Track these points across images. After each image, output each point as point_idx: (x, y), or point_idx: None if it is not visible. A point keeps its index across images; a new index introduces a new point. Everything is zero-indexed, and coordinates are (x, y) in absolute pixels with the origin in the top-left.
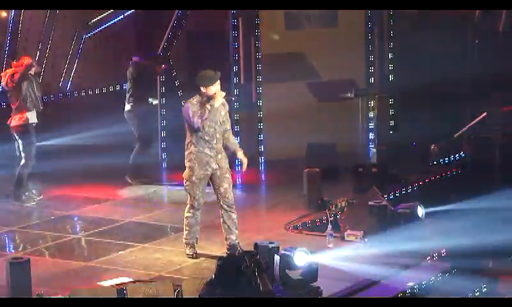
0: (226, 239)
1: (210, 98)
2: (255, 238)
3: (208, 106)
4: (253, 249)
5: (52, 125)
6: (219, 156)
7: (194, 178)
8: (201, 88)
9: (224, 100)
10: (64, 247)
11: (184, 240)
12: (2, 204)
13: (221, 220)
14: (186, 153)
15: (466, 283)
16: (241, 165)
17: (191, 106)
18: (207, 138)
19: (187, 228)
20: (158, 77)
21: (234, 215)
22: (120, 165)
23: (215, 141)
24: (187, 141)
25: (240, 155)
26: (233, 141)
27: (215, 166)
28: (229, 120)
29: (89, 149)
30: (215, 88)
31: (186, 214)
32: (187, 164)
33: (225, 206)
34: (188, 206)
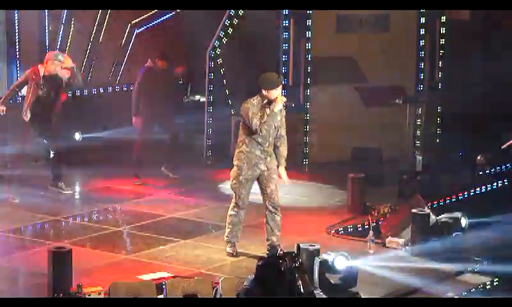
0: (267, 240)
1: (270, 102)
2: (296, 240)
3: (267, 110)
4: (294, 251)
5: (98, 117)
6: (269, 159)
7: (241, 177)
8: (263, 91)
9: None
10: (106, 239)
11: (226, 238)
12: (47, 195)
13: (265, 220)
14: (237, 151)
15: (507, 295)
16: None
17: (251, 107)
18: (260, 140)
19: (229, 226)
20: (207, 75)
21: (278, 217)
22: (162, 161)
23: (267, 144)
24: (240, 139)
25: (281, 169)
26: (283, 153)
27: (263, 168)
28: (284, 126)
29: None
30: (276, 92)
31: (230, 212)
32: (235, 163)
33: (270, 207)
34: (232, 204)
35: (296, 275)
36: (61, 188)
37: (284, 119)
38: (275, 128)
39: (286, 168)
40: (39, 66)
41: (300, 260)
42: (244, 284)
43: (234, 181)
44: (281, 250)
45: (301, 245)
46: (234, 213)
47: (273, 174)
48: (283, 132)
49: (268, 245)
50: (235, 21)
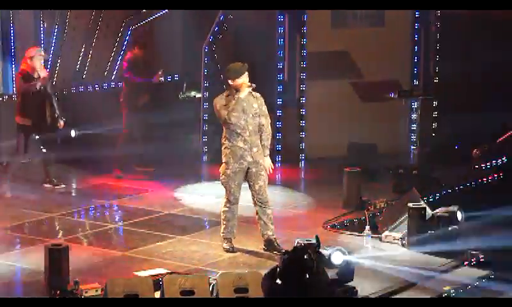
0: (262, 235)
1: (238, 91)
2: (293, 235)
3: (234, 97)
4: (314, 241)
5: (94, 114)
6: (254, 149)
7: (229, 171)
8: (229, 81)
9: (255, 92)
10: (103, 236)
11: (222, 234)
12: (43, 192)
13: (257, 217)
14: (222, 148)
15: (504, 288)
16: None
17: (219, 100)
18: (239, 131)
19: (224, 222)
20: (202, 71)
21: (269, 211)
22: (158, 157)
23: (247, 134)
24: (222, 135)
25: (266, 159)
26: (264, 142)
27: (250, 159)
28: (266, 114)
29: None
30: (241, 80)
31: (223, 208)
32: (223, 159)
33: (259, 203)
34: (225, 200)
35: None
36: (54, 183)
37: (264, 108)
38: (252, 116)
39: (269, 156)
40: (24, 65)
41: (320, 251)
42: (269, 279)
43: (223, 177)
44: (278, 244)
45: (298, 239)
46: (227, 209)
47: (261, 170)
48: (263, 120)
49: (264, 240)
50: (230, 16)
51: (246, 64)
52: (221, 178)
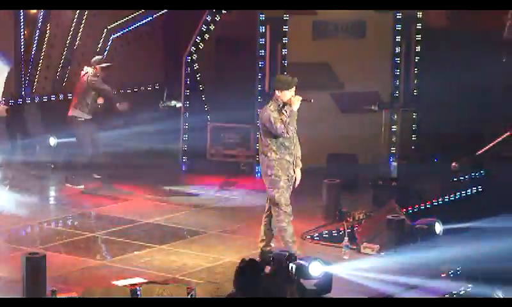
0: (266, 245)
1: (285, 103)
2: (271, 245)
3: (287, 111)
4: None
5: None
6: (294, 162)
7: (282, 183)
8: (276, 92)
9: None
10: (81, 245)
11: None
12: (23, 199)
13: (266, 226)
14: (266, 160)
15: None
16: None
17: (271, 113)
18: (287, 144)
19: (289, 239)
20: (182, 81)
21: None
22: (139, 166)
23: (293, 147)
24: (266, 148)
25: (297, 170)
26: (298, 153)
27: (293, 173)
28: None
29: (112, 148)
30: (290, 93)
31: (282, 225)
32: (268, 172)
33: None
34: (282, 216)
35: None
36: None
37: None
38: (295, 130)
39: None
40: None
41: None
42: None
43: (276, 191)
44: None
45: (276, 251)
46: (287, 222)
47: (292, 184)
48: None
49: (264, 250)
50: (212, 27)
51: (295, 78)
52: (274, 194)
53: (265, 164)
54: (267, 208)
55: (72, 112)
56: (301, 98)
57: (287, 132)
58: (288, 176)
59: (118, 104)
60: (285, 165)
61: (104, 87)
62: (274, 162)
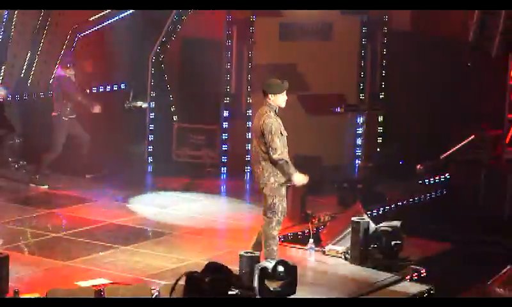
0: (258, 249)
1: (280, 108)
2: (237, 246)
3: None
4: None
5: (38, 121)
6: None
7: (283, 191)
8: (270, 96)
9: None
10: (45, 245)
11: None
12: None
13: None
14: (267, 167)
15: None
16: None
17: (273, 124)
18: (286, 149)
19: (274, 247)
20: (149, 81)
21: None
22: (105, 166)
23: (287, 151)
24: (264, 166)
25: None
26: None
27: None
28: None
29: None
30: (282, 97)
31: (273, 232)
32: (271, 179)
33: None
34: (274, 224)
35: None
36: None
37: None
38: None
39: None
40: None
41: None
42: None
43: (277, 199)
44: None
45: (241, 252)
46: (277, 232)
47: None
48: None
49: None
50: (178, 27)
51: (287, 82)
52: (273, 199)
53: (267, 170)
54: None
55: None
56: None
57: (276, 152)
58: (287, 181)
59: (91, 108)
60: (283, 190)
61: (75, 96)
62: (273, 188)
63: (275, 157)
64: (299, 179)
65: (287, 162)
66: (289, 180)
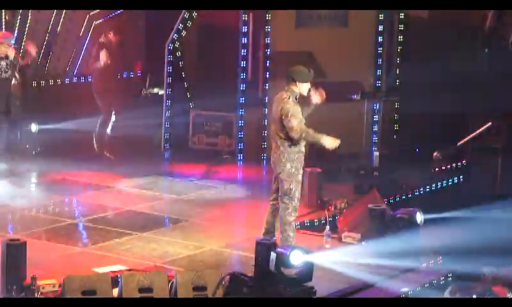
0: (271, 232)
1: (301, 95)
2: (253, 233)
3: (306, 106)
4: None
5: (55, 109)
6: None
7: (300, 177)
8: (297, 83)
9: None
10: (62, 232)
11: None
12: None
13: (273, 215)
14: (285, 152)
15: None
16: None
17: (291, 107)
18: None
19: (292, 234)
20: (165, 68)
21: None
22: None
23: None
24: (285, 141)
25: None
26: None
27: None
28: None
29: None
30: (307, 86)
31: (290, 218)
32: (288, 165)
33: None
34: (290, 210)
35: None
36: None
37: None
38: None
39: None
40: None
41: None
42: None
43: (294, 184)
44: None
45: (257, 239)
46: (294, 217)
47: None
48: None
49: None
50: (194, 14)
51: (312, 71)
52: (290, 184)
53: (284, 155)
54: (272, 197)
55: None
56: (321, 97)
57: (294, 130)
58: (302, 169)
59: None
60: (302, 158)
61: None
62: (295, 154)
63: (295, 135)
64: (329, 141)
65: (307, 131)
66: (320, 145)
